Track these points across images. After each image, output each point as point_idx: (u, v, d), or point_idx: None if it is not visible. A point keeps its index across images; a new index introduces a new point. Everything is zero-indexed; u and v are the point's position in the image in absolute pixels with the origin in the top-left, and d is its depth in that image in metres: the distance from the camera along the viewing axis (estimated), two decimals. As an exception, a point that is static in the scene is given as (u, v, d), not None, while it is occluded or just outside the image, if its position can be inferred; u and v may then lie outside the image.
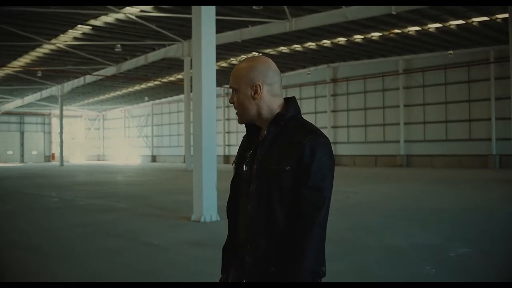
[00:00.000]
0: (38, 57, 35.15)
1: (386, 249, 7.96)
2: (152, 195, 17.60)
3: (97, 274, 6.65)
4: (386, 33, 30.51)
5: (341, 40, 32.59)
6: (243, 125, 2.31)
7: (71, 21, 26.59)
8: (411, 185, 20.91)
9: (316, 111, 44.83)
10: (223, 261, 2.43)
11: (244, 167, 2.27)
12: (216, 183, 11.34)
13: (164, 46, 33.34)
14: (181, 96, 47.62)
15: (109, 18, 26.39)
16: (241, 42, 29.56)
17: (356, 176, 25.57)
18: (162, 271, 6.71)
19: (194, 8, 11.59)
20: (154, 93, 56.76)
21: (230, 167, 2.44)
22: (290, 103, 2.26)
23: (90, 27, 28.01)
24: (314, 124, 2.22)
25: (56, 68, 38.99)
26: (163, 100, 62.28)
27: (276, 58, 34.46)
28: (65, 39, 30.51)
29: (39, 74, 39.78)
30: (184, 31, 28.07)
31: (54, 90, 49.78)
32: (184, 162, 38.47)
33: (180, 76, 43.07)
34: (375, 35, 31.06)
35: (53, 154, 67.38)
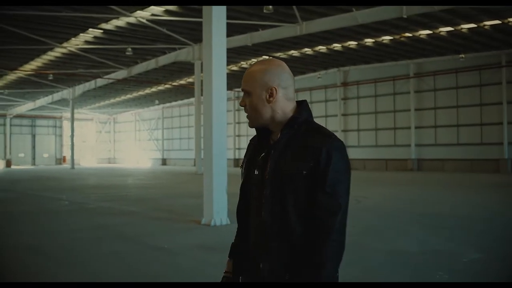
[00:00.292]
0: (50, 60, 35.33)
1: (397, 254, 7.90)
2: (162, 198, 17.62)
3: (105, 277, 6.64)
4: (397, 36, 30.38)
5: (352, 43, 32.50)
6: (253, 128, 2.29)
7: (83, 25, 26.71)
8: (422, 189, 20.78)
9: (326, 115, 44.71)
10: (233, 262, 2.40)
11: (255, 171, 2.23)
12: (227, 186, 11.32)
13: (174, 49, 33.39)
14: (192, 100, 47.69)
15: (120, 22, 26.47)
16: (252, 45, 29.54)
17: (367, 180, 25.46)
18: (171, 275, 6.70)
19: (204, 10, 11.59)
20: (165, 97, 56.87)
21: (240, 170, 2.38)
22: (302, 106, 2.25)
23: (102, 31, 28.11)
24: (327, 128, 2.20)
25: (68, 72, 39.17)
26: (174, 103, 62.40)
27: (286, 62, 33.44)
28: (77, 42, 30.65)
29: (51, 77, 39.96)
30: (195, 34, 28.10)
31: (65, 93, 50.02)
32: (194, 165, 38.49)
33: (190, 80, 43.10)
34: (386, 38, 30.94)
35: (64, 157, 67.66)
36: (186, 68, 38.09)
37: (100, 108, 65.91)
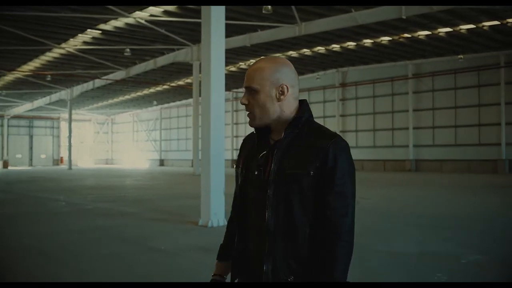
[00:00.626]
0: (48, 61, 35.29)
1: (396, 255, 7.86)
2: (159, 199, 17.58)
3: (103, 278, 6.60)
4: (395, 37, 30.39)
5: (351, 44, 32.50)
6: (252, 127, 2.24)
7: (81, 25, 26.67)
8: (420, 190, 20.76)
9: (324, 116, 44.73)
10: (225, 264, 2.38)
11: (255, 171, 2.17)
12: (224, 187, 11.28)
13: (173, 50, 33.37)
14: (190, 100, 47.62)
15: (119, 22, 26.44)
16: (250, 46, 29.53)
17: (365, 181, 25.43)
18: (168, 277, 6.65)
19: (203, 11, 11.55)
20: (163, 97, 56.86)
21: (236, 171, 2.32)
22: (303, 106, 2.21)
23: (100, 32, 28.07)
24: (328, 128, 2.19)
25: (66, 72, 39.13)
26: (172, 104, 62.39)
27: (285, 63, 34.28)
28: (75, 43, 30.62)
29: (49, 78, 39.91)
30: (193, 35, 28.08)
31: (63, 94, 49.98)
32: (192, 166, 38.45)
33: (189, 81, 43.07)
34: (385, 39, 30.94)
35: (61, 157, 67.63)
36: (184, 69, 38.07)
37: (98, 109, 65.87)
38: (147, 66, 36.65)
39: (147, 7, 23.95)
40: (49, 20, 25.18)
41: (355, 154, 41.66)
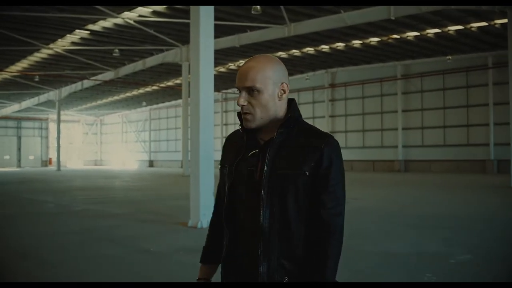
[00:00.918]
0: (36, 61, 35.07)
1: (385, 255, 7.87)
2: (149, 200, 17.51)
3: (89, 280, 6.54)
4: (384, 38, 30.49)
5: (340, 45, 32.57)
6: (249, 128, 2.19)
7: (69, 25, 26.52)
8: (409, 190, 20.84)
9: (314, 116, 44.81)
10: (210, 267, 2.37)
11: (246, 171, 2.13)
12: (214, 188, 11.25)
13: (162, 51, 33.28)
14: (179, 101, 47.60)
15: (107, 23, 26.31)
16: (239, 47, 29.51)
17: (354, 182, 25.47)
18: (158, 278, 6.62)
19: (192, 11, 11.51)
20: (152, 98, 56.71)
21: (222, 171, 2.29)
22: (293, 105, 2.19)
23: (88, 32, 27.93)
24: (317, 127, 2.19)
25: (54, 73, 38.90)
26: (161, 105, 62.24)
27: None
28: (63, 43, 30.44)
29: (37, 78, 39.65)
30: (182, 36, 28.01)
31: (51, 95, 49.69)
32: (182, 167, 38.38)
33: (178, 81, 43.01)
34: (374, 40, 31.04)
35: (50, 159, 67.21)
36: (173, 70, 37.99)
37: (87, 109, 65.58)
38: (136, 66, 36.52)
39: (135, 7, 23.85)
40: (37, 20, 25.01)
41: (345, 155, 41.46)
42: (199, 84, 11.04)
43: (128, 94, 52.74)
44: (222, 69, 39.27)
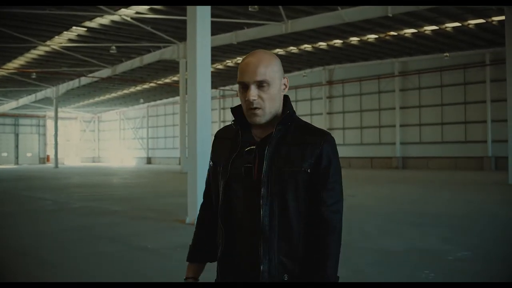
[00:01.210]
0: (33, 59, 34.99)
1: (383, 253, 7.87)
2: (146, 197, 17.50)
3: (89, 278, 6.54)
4: (382, 35, 30.49)
5: (337, 42, 32.56)
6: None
7: (66, 23, 26.46)
8: (407, 187, 20.86)
9: (311, 113, 44.80)
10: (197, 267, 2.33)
11: (242, 169, 2.09)
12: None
13: (159, 48, 33.24)
14: (177, 98, 47.51)
15: (104, 20, 26.26)
16: (237, 44, 29.48)
17: (352, 178, 25.49)
18: (155, 275, 6.61)
19: (189, 9, 11.49)
20: (150, 95, 56.64)
21: (215, 169, 2.25)
22: (289, 102, 2.19)
23: (85, 29, 27.88)
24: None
25: (51, 70, 38.81)
26: (159, 102, 62.18)
27: (271, 60, 34.28)
28: (60, 41, 30.37)
29: (34, 76, 39.59)
30: (180, 33, 27.96)
31: (49, 92, 49.60)
32: (180, 164, 38.36)
33: (175, 78, 42.94)
34: (371, 37, 31.03)
35: (48, 156, 67.13)
36: (171, 67, 37.94)
37: (85, 106, 65.49)
38: (133, 63, 36.47)
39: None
40: (34, 17, 24.95)
41: (343, 152, 41.81)
42: (196, 81, 11.03)
43: (125, 91, 52.67)
44: (220, 66, 39.24)
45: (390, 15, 23.26)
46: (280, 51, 34.51)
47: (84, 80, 43.46)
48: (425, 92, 38.25)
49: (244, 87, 2.06)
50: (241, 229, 2.10)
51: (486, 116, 34.59)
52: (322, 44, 33.24)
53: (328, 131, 2.10)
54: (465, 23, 27.43)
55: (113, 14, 24.85)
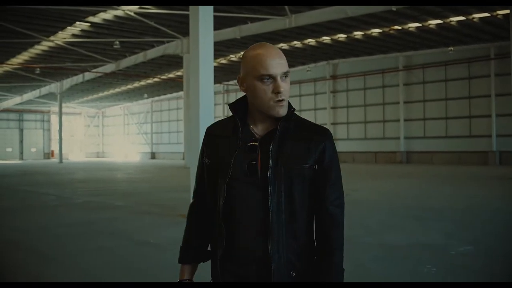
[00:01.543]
0: (37, 54, 35.02)
1: (385, 247, 7.86)
2: (150, 192, 17.53)
3: (91, 274, 6.55)
4: (386, 29, 30.38)
5: (341, 36, 32.46)
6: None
7: (70, 18, 26.47)
8: (411, 182, 20.82)
9: (315, 108, 44.72)
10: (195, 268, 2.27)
11: (244, 166, 2.05)
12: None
13: (163, 43, 33.19)
14: (181, 93, 47.51)
15: (108, 15, 26.25)
16: (240, 38, 29.42)
17: (356, 173, 25.47)
18: (158, 271, 6.61)
19: (191, 8, 11.47)
20: (154, 90, 56.64)
21: (213, 166, 2.20)
22: None
23: (89, 24, 27.87)
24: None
25: (55, 65, 38.85)
26: (163, 97, 62.19)
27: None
28: (64, 36, 30.38)
29: (38, 71, 39.61)
30: (183, 27, 27.91)
31: (53, 87, 49.65)
32: (184, 159, 38.38)
33: (179, 73, 42.90)
34: (375, 31, 30.93)
35: (52, 151, 67.26)
36: (174, 62, 37.92)
37: (89, 102, 65.55)
38: (137, 59, 36.44)
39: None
40: (37, 12, 24.95)
41: (347, 146, 41.82)
42: (198, 77, 11.00)
43: (129, 86, 52.68)
44: (223, 61, 39.19)
45: (394, 9, 23.17)
46: (284, 45, 34.43)
47: (88, 75, 43.46)
48: (429, 87, 38.13)
49: (268, 80, 2.02)
50: (244, 228, 2.06)
51: (491, 111, 34.46)
52: (326, 39, 33.15)
53: (330, 126, 2.10)
54: (470, 17, 27.31)
55: (117, 9, 24.84)
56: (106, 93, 57.35)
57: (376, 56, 39.51)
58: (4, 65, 37.73)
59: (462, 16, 27.05)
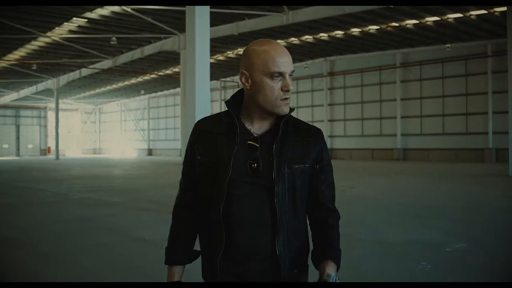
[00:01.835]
0: (34, 50, 34.90)
1: (381, 244, 7.87)
2: (147, 189, 17.52)
3: (88, 270, 6.55)
4: (383, 26, 30.37)
5: (338, 33, 32.44)
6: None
7: (67, 14, 26.36)
8: (407, 179, 20.85)
9: (313, 105, 44.73)
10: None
11: (246, 165, 2.01)
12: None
13: (160, 39, 33.10)
14: (178, 90, 47.45)
15: (105, 10, 26.16)
16: (238, 35, 29.36)
17: (352, 170, 25.49)
18: (154, 267, 6.61)
19: (187, 7, 11.47)
20: (151, 87, 56.54)
21: (207, 164, 2.15)
22: None
23: (86, 20, 27.77)
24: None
25: (52, 61, 38.73)
26: (160, 93, 62.11)
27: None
28: (61, 32, 30.27)
29: (34, 67, 39.50)
30: (180, 24, 27.82)
31: (49, 83, 49.51)
32: (180, 155, 38.33)
33: (176, 70, 42.81)
34: (373, 28, 30.92)
35: (49, 147, 67.17)
36: (171, 58, 37.82)
37: (86, 98, 65.41)
38: (134, 55, 36.34)
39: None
40: (34, 8, 24.85)
41: (343, 143, 41.88)
42: (194, 74, 11.00)
43: (126, 82, 52.58)
44: (221, 57, 39.12)
45: (391, 6, 23.16)
46: (281, 42, 34.34)
47: (84, 72, 43.35)
48: (426, 84, 38.17)
49: (277, 77, 2.01)
50: (246, 228, 2.02)
51: (488, 108, 34.52)
52: (323, 35, 33.13)
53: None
54: (467, 14, 27.32)
55: (114, 5, 24.75)
56: (103, 89, 57.22)
57: (373, 53, 39.52)
58: (0, 61, 37.60)
59: (459, 13, 27.06)
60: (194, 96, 10.98)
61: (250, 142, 2.04)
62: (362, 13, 26.03)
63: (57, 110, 50.42)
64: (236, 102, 2.13)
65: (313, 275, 2.13)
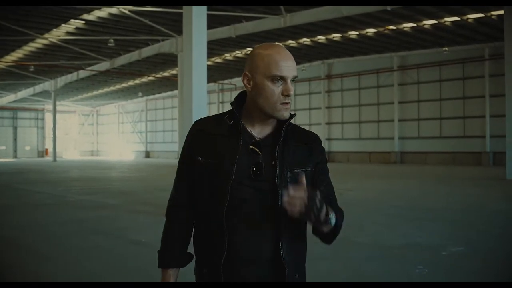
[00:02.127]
0: (31, 51, 34.85)
1: (379, 248, 7.87)
2: (144, 191, 17.50)
3: (85, 272, 6.53)
4: (381, 29, 30.41)
5: (336, 36, 32.46)
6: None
7: (64, 15, 26.34)
8: (405, 182, 20.86)
9: (310, 108, 44.74)
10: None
11: (249, 168, 2.00)
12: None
13: (158, 41, 33.08)
14: (175, 92, 47.44)
15: (103, 12, 26.14)
16: (235, 37, 29.36)
17: (350, 173, 25.49)
18: (150, 270, 6.59)
19: (185, 7, 11.47)
20: (148, 89, 56.51)
21: (209, 167, 2.13)
22: None
23: (83, 22, 27.75)
24: None
25: (49, 63, 38.67)
26: (157, 95, 62.07)
27: (270, 54, 34.17)
28: (58, 33, 30.25)
29: (32, 69, 39.44)
30: (178, 26, 27.68)
31: (47, 85, 49.45)
32: (178, 158, 38.28)
33: (174, 72, 42.79)
34: (370, 31, 30.95)
35: (46, 149, 67.05)
36: (169, 60, 37.79)
37: (83, 100, 65.31)
38: (131, 57, 36.31)
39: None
40: (32, 10, 24.83)
41: (341, 146, 41.87)
42: (192, 76, 11.00)
43: (124, 84, 52.54)
44: (218, 60, 39.11)
45: (389, 8, 23.15)
46: (279, 45, 34.32)
47: (82, 73, 43.29)
48: (423, 87, 38.22)
49: (278, 81, 2.00)
50: (249, 231, 2.01)
51: (485, 111, 34.56)
52: (321, 38, 33.15)
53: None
54: (464, 18, 27.36)
55: (111, 7, 24.74)
56: (100, 91, 57.16)
57: (371, 56, 39.54)
58: (-2, 62, 37.57)
59: (457, 16, 27.10)
60: (191, 98, 10.98)
61: (253, 147, 2.03)
62: (360, 16, 26.04)
63: (54, 112, 50.35)
64: (239, 104, 2.12)
65: (311, 280, 2.12)
